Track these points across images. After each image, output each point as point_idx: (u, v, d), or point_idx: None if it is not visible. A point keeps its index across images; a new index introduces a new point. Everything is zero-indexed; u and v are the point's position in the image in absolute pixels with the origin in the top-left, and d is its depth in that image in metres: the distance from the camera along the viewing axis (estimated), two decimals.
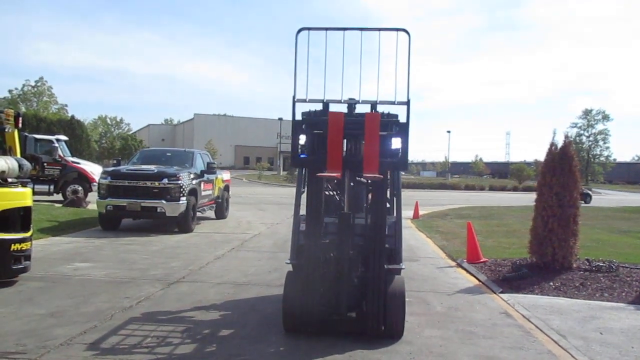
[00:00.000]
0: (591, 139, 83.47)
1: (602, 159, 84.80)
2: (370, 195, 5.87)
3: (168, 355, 4.80)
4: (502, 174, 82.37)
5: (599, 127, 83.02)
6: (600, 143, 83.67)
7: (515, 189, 51.15)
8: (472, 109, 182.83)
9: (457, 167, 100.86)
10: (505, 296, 7.42)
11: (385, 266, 5.34)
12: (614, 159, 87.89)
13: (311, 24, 5.30)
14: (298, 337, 5.33)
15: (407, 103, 5.27)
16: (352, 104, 5.48)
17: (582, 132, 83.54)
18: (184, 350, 4.94)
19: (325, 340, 5.22)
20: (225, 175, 17.23)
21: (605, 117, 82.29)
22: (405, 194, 36.11)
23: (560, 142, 9.00)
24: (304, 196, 5.86)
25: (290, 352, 5.01)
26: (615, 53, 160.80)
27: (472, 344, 5.36)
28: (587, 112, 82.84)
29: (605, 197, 45.24)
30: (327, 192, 5.95)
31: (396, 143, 5.27)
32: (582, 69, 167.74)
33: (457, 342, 5.40)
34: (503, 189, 52.38)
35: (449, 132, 78.35)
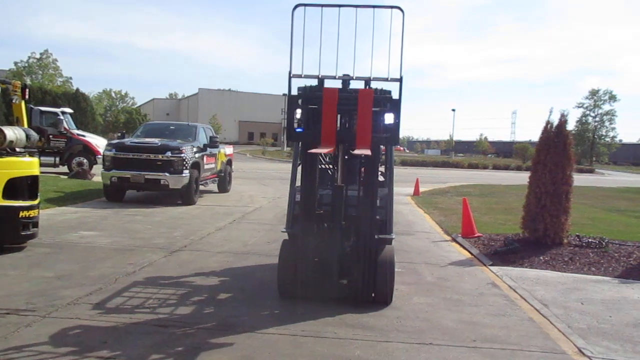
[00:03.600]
0: (597, 119, 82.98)
1: (607, 139, 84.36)
2: (363, 169, 6.08)
3: (168, 314, 5.10)
4: (507, 154, 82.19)
5: (606, 107, 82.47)
6: (607, 124, 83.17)
7: (518, 168, 51.18)
8: (478, 87, 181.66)
9: (461, 145, 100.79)
10: (494, 268, 7.69)
11: (376, 236, 5.60)
12: (620, 140, 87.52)
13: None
14: (292, 301, 5.61)
15: (400, 80, 5.42)
16: (346, 80, 5.63)
17: (588, 112, 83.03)
18: (183, 311, 5.24)
19: (317, 305, 5.50)
20: (228, 149, 17.44)
21: (612, 98, 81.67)
22: (408, 171, 36.43)
23: (556, 121, 9.18)
24: (300, 169, 6.08)
25: (284, 314, 5.30)
26: (626, 33, 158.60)
27: (457, 311, 5.64)
28: (593, 93, 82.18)
29: (608, 178, 45.35)
30: (321, 166, 6.18)
31: (389, 119, 5.45)
32: (591, 48, 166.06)
33: (443, 309, 5.69)
34: (506, 168, 52.42)
35: (453, 110, 78.16)
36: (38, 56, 65.73)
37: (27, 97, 7.96)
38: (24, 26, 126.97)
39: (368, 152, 5.13)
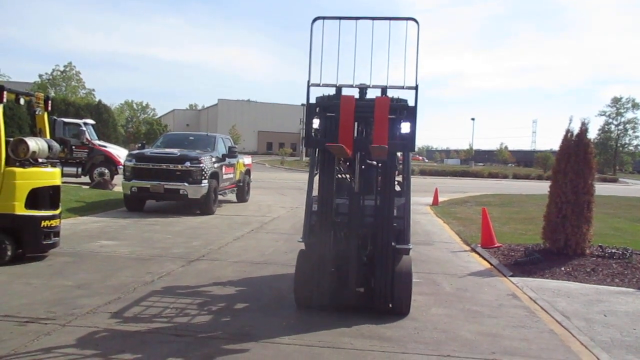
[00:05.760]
0: (620, 127, 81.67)
1: (631, 148, 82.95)
2: (380, 178, 6.07)
3: (185, 324, 5.12)
4: (528, 163, 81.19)
5: (629, 115, 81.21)
6: (630, 132, 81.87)
7: (539, 178, 50.47)
8: (498, 96, 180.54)
9: (481, 155, 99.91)
10: (515, 279, 7.57)
11: (394, 245, 5.56)
12: None
13: (337, 11, 5.65)
14: (309, 312, 5.59)
15: (416, 88, 5.50)
16: (363, 88, 5.69)
17: (610, 120, 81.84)
18: (200, 320, 5.26)
19: (334, 316, 5.47)
20: (247, 159, 17.55)
21: (635, 106, 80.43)
22: (427, 180, 36.20)
23: (576, 129, 9.04)
24: (316, 178, 6.09)
25: (300, 325, 5.27)
26: None
27: (476, 322, 5.55)
28: (616, 101, 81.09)
29: (632, 187, 44.44)
30: (338, 175, 6.18)
31: (405, 126, 5.47)
32: (613, 57, 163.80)
33: (462, 320, 5.61)
34: (527, 177, 51.79)
35: (473, 119, 77.68)
36: (62, 69, 67.05)
37: (49, 108, 8.11)
38: (48, 40, 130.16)
39: (384, 155, 5.13)
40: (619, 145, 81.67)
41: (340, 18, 5.63)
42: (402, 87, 5.54)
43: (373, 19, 5.62)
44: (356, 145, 5.54)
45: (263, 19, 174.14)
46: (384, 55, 5.69)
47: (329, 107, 5.65)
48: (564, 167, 8.82)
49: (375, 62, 5.73)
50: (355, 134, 5.68)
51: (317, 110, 5.68)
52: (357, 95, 5.72)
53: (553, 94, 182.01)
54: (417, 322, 5.45)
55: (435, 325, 5.40)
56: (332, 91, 5.76)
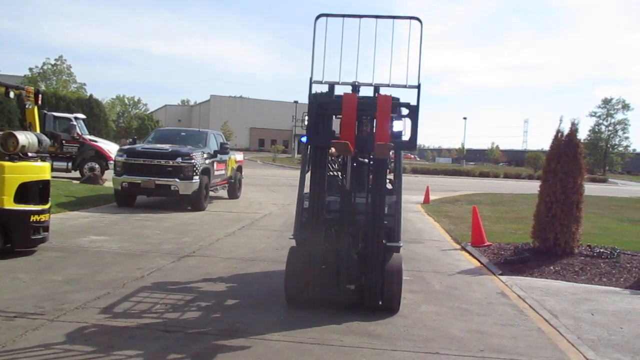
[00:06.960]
0: (610, 128, 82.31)
1: (620, 149, 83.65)
2: (371, 176, 6.08)
3: (175, 320, 5.11)
4: (519, 162, 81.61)
5: (619, 116, 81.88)
6: (620, 133, 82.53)
7: (530, 177, 50.73)
8: (490, 95, 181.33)
9: (473, 154, 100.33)
10: (504, 278, 7.62)
11: (384, 243, 5.58)
12: (633, 150, 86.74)
13: (330, 7, 5.59)
14: (299, 308, 5.61)
15: (418, 87, 5.49)
16: (356, 86, 5.68)
17: (601, 121, 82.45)
18: (190, 316, 5.25)
19: (324, 312, 5.49)
20: (238, 156, 17.50)
21: (626, 107, 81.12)
22: (419, 179, 36.31)
23: (567, 129, 9.11)
24: (308, 175, 6.09)
25: (290, 321, 5.28)
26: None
27: (465, 320, 5.59)
28: (606, 101, 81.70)
29: (622, 188, 44.84)
30: (330, 173, 6.19)
31: (407, 125, 5.49)
32: (605, 56, 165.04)
33: (451, 318, 5.65)
34: (518, 176, 52.03)
35: (465, 118, 77.95)
36: (52, 62, 66.41)
37: (39, 102, 8.04)
38: (39, 33, 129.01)
39: (387, 153, 5.20)
40: (609, 145, 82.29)
41: (343, 16, 5.61)
42: (405, 86, 5.54)
43: (377, 17, 5.60)
44: (356, 143, 5.52)
45: (257, 14, 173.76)
46: (384, 54, 5.72)
47: (323, 104, 5.65)
48: (554, 167, 8.89)
49: (376, 60, 5.76)
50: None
51: (319, 107, 5.66)
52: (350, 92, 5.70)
53: (545, 93, 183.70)
54: (407, 319, 5.48)
55: (424, 322, 5.43)
56: (326, 88, 5.73)
